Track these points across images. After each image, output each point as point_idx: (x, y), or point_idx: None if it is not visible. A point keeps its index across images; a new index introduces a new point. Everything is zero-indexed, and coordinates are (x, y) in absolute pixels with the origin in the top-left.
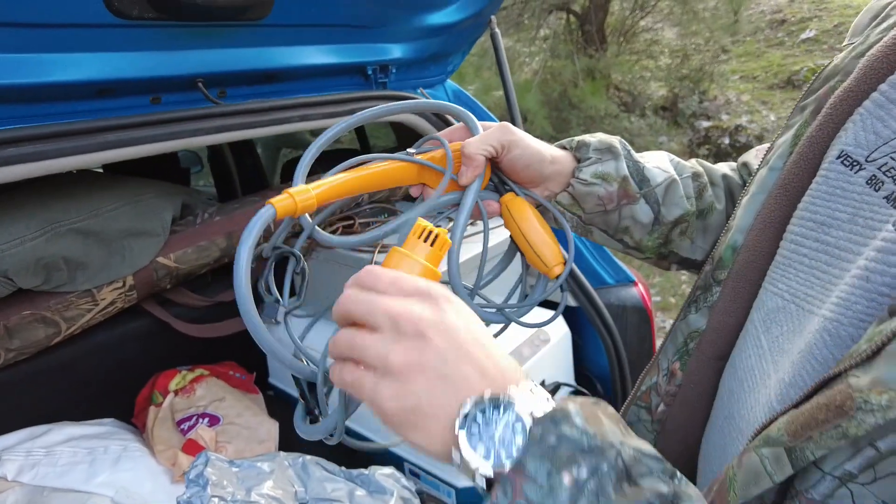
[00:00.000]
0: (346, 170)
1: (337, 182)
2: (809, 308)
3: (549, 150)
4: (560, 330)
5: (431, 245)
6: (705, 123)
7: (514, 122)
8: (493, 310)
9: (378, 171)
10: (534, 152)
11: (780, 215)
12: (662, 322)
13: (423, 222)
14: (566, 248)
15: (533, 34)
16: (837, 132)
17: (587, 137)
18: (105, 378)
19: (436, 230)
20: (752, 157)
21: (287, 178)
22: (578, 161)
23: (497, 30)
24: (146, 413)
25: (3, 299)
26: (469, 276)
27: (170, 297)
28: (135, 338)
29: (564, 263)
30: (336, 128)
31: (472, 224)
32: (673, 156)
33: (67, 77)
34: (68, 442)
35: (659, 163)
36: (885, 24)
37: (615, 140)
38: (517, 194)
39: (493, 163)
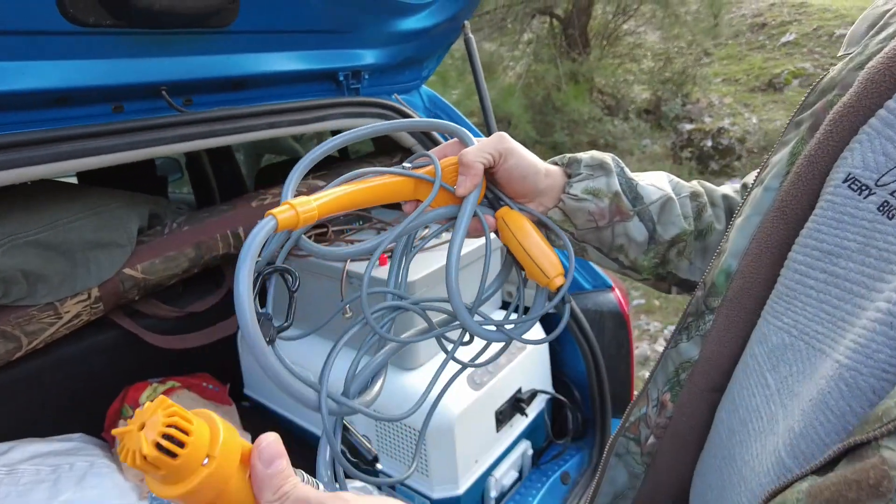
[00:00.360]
0: (345, 182)
1: (339, 194)
2: (820, 347)
3: (543, 164)
4: (537, 336)
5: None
6: (688, 126)
7: (488, 126)
8: (494, 328)
9: (378, 185)
10: (529, 163)
11: (778, 240)
12: (647, 325)
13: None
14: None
15: (516, 38)
16: (840, 152)
17: (579, 154)
18: (73, 392)
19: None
20: (752, 179)
21: (262, 185)
22: (570, 177)
23: (471, 35)
24: (116, 427)
25: None
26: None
27: (140, 308)
28: (103, 350)
29: (565, 274)
30: (327, 144)
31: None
32: (673, 176)
33: (21, 86)
34: (32, 459)
35: (655, 181)
36: (884, 34)
37: (608, 157)
38: (513, 208)
39: (489, 175)
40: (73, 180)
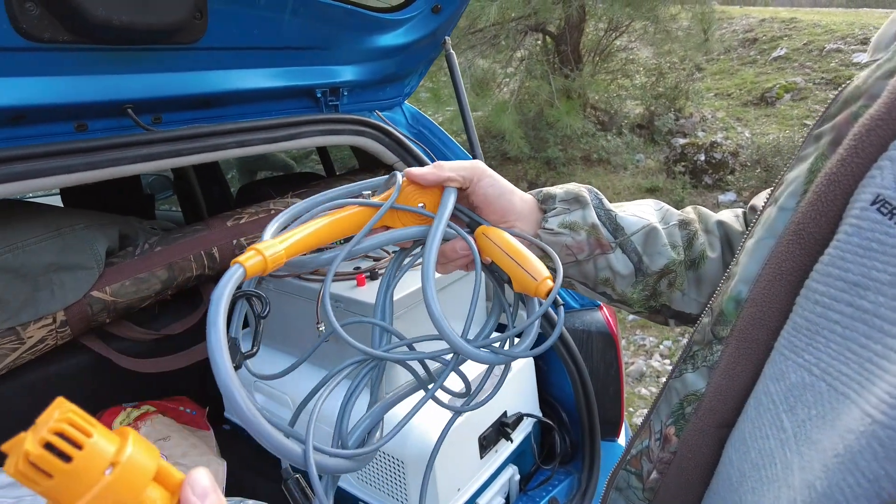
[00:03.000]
0: (306, 213)
1: (306, 234)
2: (844, 390)
3: (519, 191)
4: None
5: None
6: (681, 140)
7: (469, 140)
8: (488, 350)
9: (344, 217)
10: (504, 184)
11: (794, 266)
12: (642, 340)
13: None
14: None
15: (509, 55)
16: (867, 170)
17: (554, 189)
18: None
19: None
20: (762, 200)
21: (242, 203)
22: (545, 212)
23: (452, 51)
24: None
25: None
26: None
27: (112, 331)
28: (73, 376)
29: (553, 278)
30: (293, 209)
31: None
32: (664, 205)
33: None
34: None
35: (638, 211)
36: None
37: (584, 189)
38: (491, 226)
39: (464, 198)
40: (57, 200)
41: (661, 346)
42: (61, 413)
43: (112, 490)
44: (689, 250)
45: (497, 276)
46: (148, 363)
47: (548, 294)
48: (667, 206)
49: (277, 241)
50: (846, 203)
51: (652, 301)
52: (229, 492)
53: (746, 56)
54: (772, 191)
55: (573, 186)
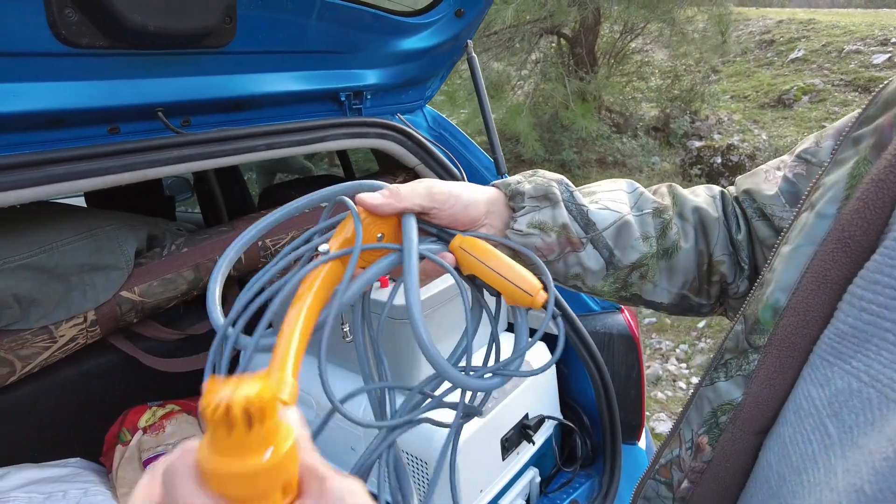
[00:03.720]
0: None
1: (299, 341)
2: (895, 397)
3: (483, 193)
4: (543, 359)
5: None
6: (697, 143)
7: (492, 144)
8: (490, 374)
9: (318, 290)
10: (467, 195)
11: (839, 275)
12: (658, 344)
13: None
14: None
15: (524, 58)
16: None
17: (524, 184)
18: (71, 416)
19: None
20: (762, 182)
21: (265, 206)
22: (514, 210)
23: (474, 54)
24: (114, 451)
25: None
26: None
27: (138, 330)
28: (101, 374)
29: (545, 288)
30: (249, 232)
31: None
32: (637, 186)
33: (14, 108)
34: (25, 486)
35: (610, 202)
36: None
37: (553, 183)
38: (464, 234)
39: (426, 221)
40: (81, 200)
41: (678, 350)
42: (267, 388)
43: (262, 471)
44: (663, 239)
45: (484, 288)
46: (173, 363)
47: (544, 305)
48: (641, 190)
49: (288, 374)
50: (893, 208)
51: (622, 292)
52: None
53: (763, 58)
54: (806, 195)
55: (542, 180)
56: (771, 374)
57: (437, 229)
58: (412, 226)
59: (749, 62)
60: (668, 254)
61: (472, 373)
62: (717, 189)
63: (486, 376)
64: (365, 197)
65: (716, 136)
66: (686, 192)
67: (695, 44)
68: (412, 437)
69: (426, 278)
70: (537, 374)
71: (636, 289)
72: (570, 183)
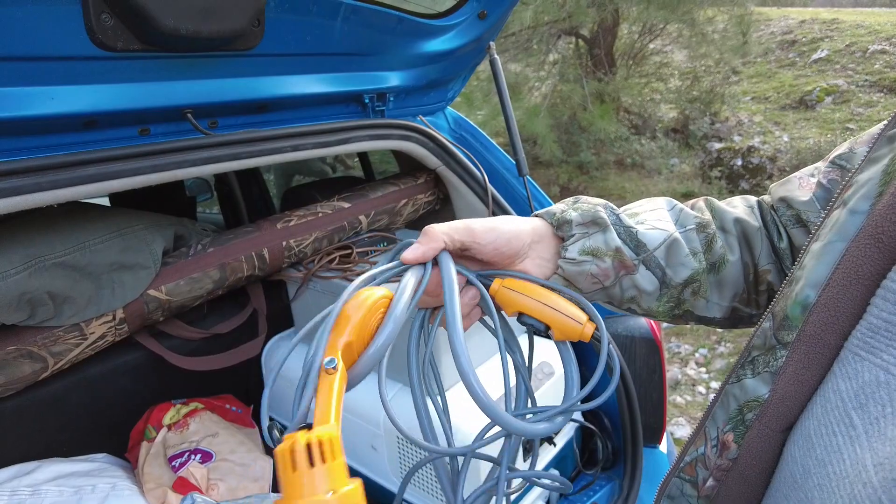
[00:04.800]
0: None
1: (341, 388)
2: None
3: (526, 224)
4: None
5: (323, 461)
6: (717, 145)
7: (514, 146)
8: (560, 411)
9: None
10: (507, 227)
11: (872, 270)
12: (677, 348)
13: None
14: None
15: (542, 59)
16: None
17: (569, 212)
18: (98, 412)
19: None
20: (796, 189)
21: (288, 207)
22: (563, 239)
23: (496, 56)
24: (139, 448)
25: None
26: None
27: (164, 329)
28: (128, 371)
29: (591, 318)
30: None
31: None
32: (676, 202)
33: (51, 110)
34: (55, 480)
35: (656, 221)
36: None
37: (600, 207)
38: (504, 276)
39: (469, 258)
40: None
41: (697, 354)
42: (328, 429)
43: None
44: (710, 254)
45: (530, 325)
46: (197, 361)
47: (593, 335)
48: (679, 206)
49: (332, 421)
50: None
51: (676, 310)
52: (274, 488)
53: (785, 58)
54: (839, 193)
55: (587, 206)
56: (799, 370)
57: (475, 274)
58: (449, 264)
59: (770, 63)
60: (715, 268)
61: (528, 416)
62: (753, 199)
63: (549, 417)
64: (406, 254)
65: (736, 138)
66: (724, 205)
67: (715, 44)
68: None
69: (468, 320)
70: (597, 405)
71: (689, 305)
72: (614, 206)
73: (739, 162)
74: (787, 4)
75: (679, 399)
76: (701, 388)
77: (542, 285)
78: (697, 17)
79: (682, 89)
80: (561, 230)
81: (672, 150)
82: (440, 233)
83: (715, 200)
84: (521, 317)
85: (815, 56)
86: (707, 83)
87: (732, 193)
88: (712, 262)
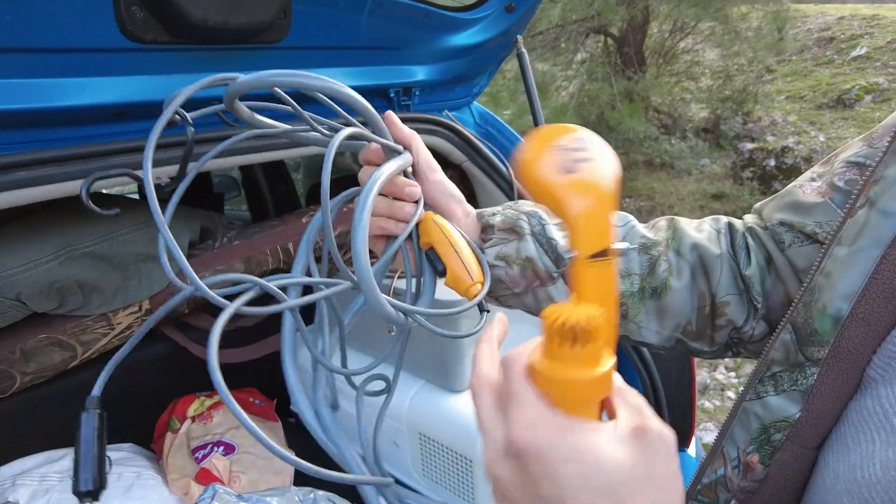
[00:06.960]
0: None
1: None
2: None
3: (468, 208)
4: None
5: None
6: (749, 145)
7: None
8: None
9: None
10: (453, 189)
11: None
12: None
13: (553, 315)
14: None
15: (569, 58)
16: None
17: (495, 216)
18: (124, 402)
19: (574, 320)
20: (800, 197)
21: (313, 201)
22: (484, 241)
23: (524, 50)
24: (164, 439)
25: (19, 323)
26: None
27: (189, 321)
28: (153, 362)
29: (483, 283)
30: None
31: None
32: (630, 219)
33: (82, 101)
34: None
35: None
36: None
37: (524, 216)
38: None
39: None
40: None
41: (725, 359)
42: (599, 312)
43: (586, 383)
44: (651, 277)
45: (431, 262)
46: (221, 354)
47: (473, 298)
48: (633, 223)
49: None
50: None
51: None
52: (295, 482)
53: (822, 56)
54: (860, 189)
55: (512, 213)
56: (836, 387)
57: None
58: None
59: (806, 61)
60: (656, 293)
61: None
62: (724, 221)
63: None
64: (390, 113)
65: (769, 138)
66: (688, 228)
67: (748, 42)
68: (455, 433)
69: (388, 216)
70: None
71: (621, 329)
72: (545, 217)
73: (773, 162)
74: (825, 1)
75: (707, 404)
76: (730, 394)
77: (467, 242)
78: (731, 14)
79: (714, 88)
80: (485, 233)
81: (702, 151)
82: (412, 132)
83: (681, 221)
84: (428, 251)
85: (854, 53)
86: (740, 82)
87: (765, 194)
88: (653, 286)
